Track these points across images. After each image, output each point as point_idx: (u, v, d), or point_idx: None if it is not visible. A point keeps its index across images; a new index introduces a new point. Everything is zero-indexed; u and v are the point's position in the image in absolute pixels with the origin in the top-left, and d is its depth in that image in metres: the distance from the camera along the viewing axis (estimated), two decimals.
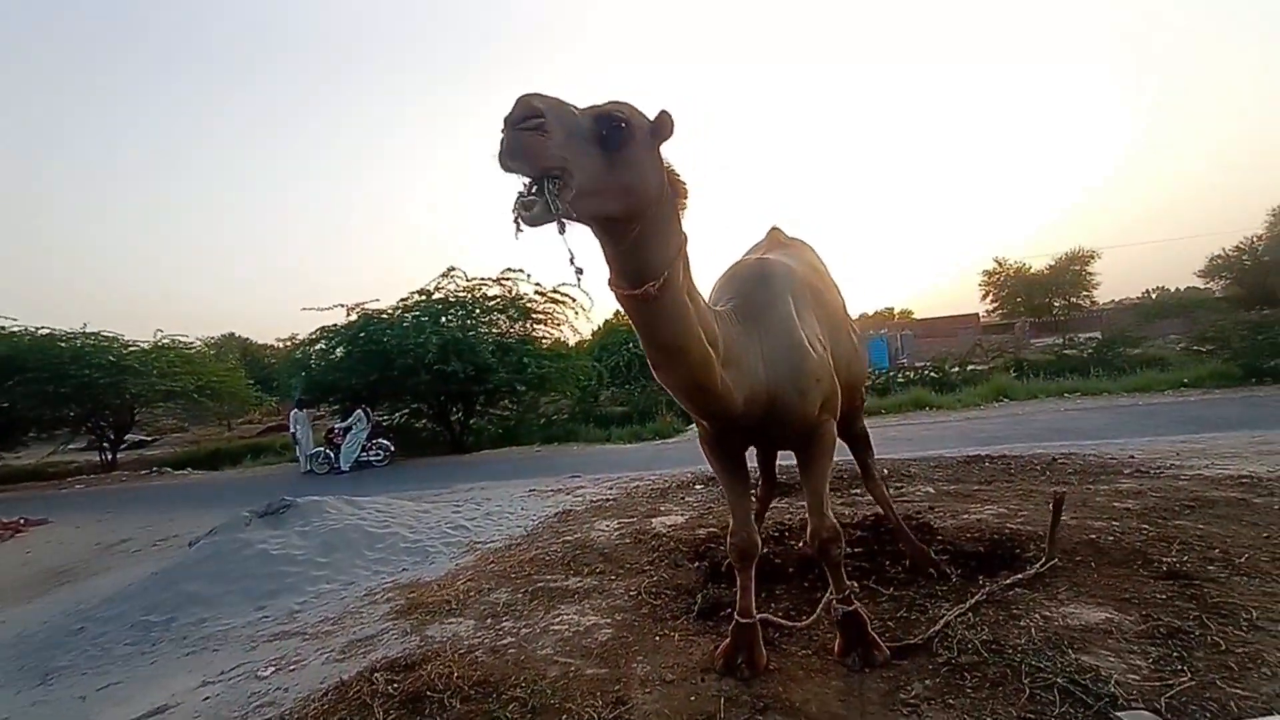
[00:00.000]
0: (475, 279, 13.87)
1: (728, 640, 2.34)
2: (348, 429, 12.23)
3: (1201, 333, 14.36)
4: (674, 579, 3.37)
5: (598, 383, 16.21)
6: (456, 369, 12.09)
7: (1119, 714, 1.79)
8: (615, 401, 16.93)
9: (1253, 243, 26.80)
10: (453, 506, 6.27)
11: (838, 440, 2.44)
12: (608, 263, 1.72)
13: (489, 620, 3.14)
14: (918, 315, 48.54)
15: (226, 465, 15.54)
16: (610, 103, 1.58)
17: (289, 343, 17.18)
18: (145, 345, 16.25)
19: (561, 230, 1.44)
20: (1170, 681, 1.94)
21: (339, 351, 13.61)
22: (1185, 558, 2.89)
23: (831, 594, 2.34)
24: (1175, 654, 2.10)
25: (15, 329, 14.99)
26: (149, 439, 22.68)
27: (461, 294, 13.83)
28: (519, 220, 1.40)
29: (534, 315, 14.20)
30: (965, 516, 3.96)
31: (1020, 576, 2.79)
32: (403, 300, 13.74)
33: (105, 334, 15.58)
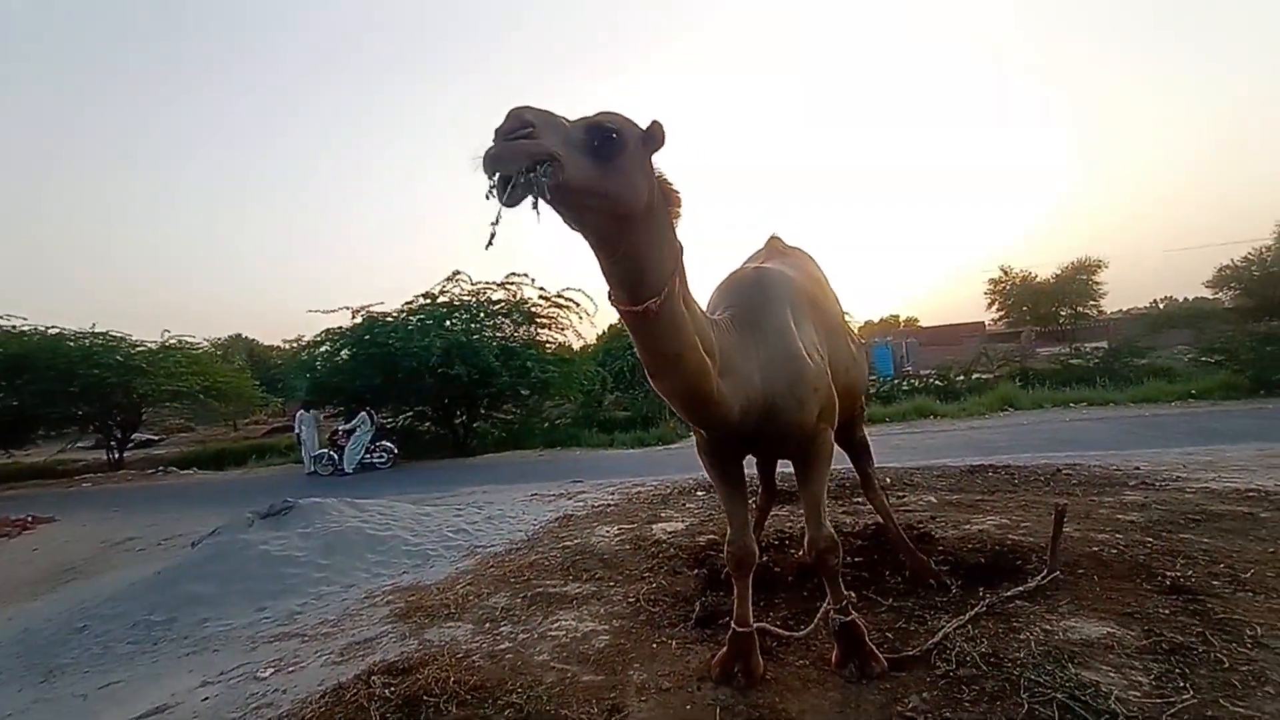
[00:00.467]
0: (480, 283, 13.93)
1: (725, 649, 2.33)
2: (351, 431, 12.27)
3: (1209, 344, 14.22)
4: (673, 586, 3.36)
5: (601, 387, 16.22)
6: (460, 372, 12.13)
7: None
8: (619, 406, 16.90)
9: (1261, 254, 26.52)
10: (454, 510, 6.28)
11: (836, 448, 2.43)
12: (605, 277, 1.72)
13: (487, 625, 3.14)
14: (924, 323, 48.38)
15: (231, 465, 15.60)
16: (601, 113, 1.58)
17: (295, 344, 17.21)
18: (153, 345, 16.38)
19: (535, 206, 1.37)
20: (1172, 699, 1.91)
21: (344, 354, 13.68)
22: (1189, 572, 2.87)
23: (829, 604, 2.33)
24: (1177, 671, 2.07)
25: (25, 328, 15.13)
26: (156, 438, 22.86)
27: (466, 298, 13.90)
28: (500, 203, 1.33)
29: (538, 319, 14.24)
30: (967, 527, 3.93)
31: (1021, 589, 2.77)
32: (408, 303, 13.81)
33: (114, 334, 15.72)
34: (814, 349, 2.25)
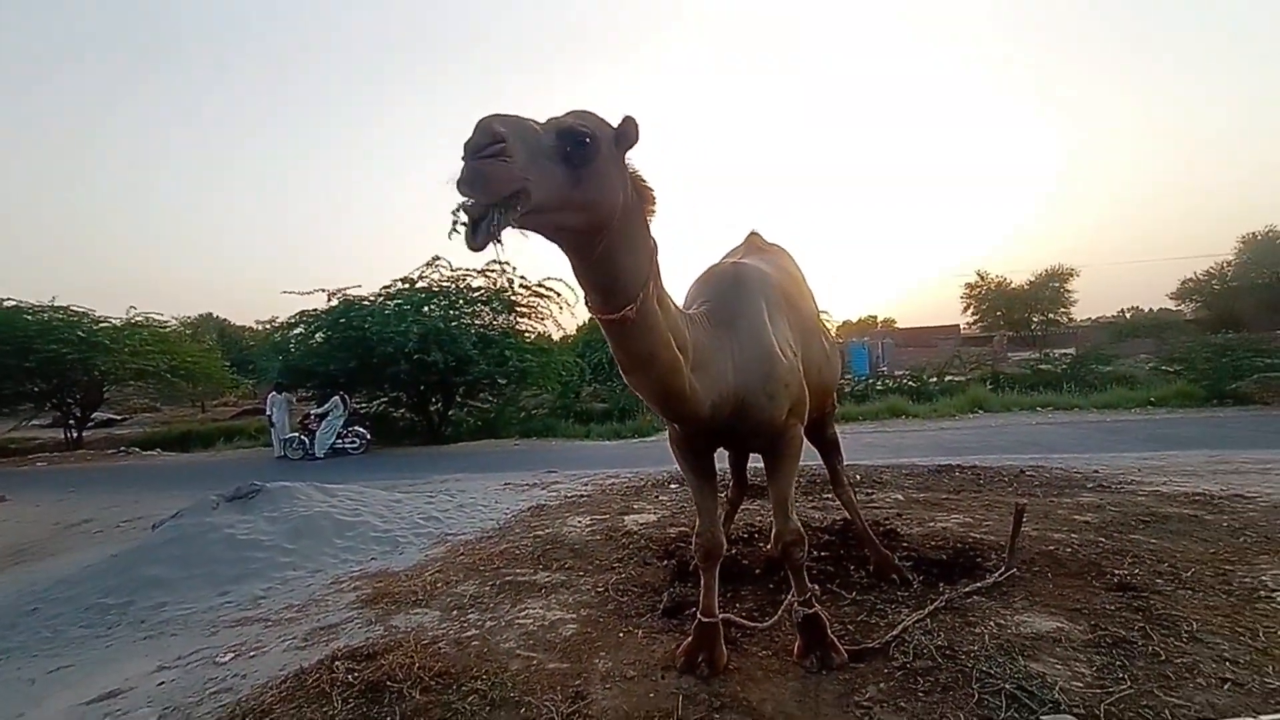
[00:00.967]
0: (460, 269, 13.76)
1: (690, 639, 2.36)
2: (324, 415, 12.06)
3: (1170, 353, 14.82)
4: (642, 576, 3.39)
5: (579, 378, 16.17)
6: (437, 359, 12.00)
7: (1046, 717, 1.87)
8: (596, 398, 16.90)
9: (1223, 268, 27.64)
10: (426, 497, 6.22)
11: (806, 444, 2.47)
12: (580, 282, 1.71)
13: (454, 612, 3.13)
14: (901, 324, 49.27)
15: (198, 447, 15.22)
16: (572, 114, 1.55)
17: (268, 325, 16.81)
18: (117, 322, 15.86)
19: (499, 243, 1.37)
20: (1111, 689, 2.01)
21: (318, 336, 13.43)
22: (1136, 571, 3.00)
23: (794, 596, 2.38)
24: (1118, 663, 2.17)
25: None
26: (118, 418, 22.13)
27: (445, 284, 13.71)
28: (466, 237, 1.34)
29: (518, 308, 14.12)
30: (931, 524, 4.04)
31: (979, 585, 2.85)
32: (385, 287, 13.59)
33: (75, 308, 15.18)
34: (787, 346, 2.27)
